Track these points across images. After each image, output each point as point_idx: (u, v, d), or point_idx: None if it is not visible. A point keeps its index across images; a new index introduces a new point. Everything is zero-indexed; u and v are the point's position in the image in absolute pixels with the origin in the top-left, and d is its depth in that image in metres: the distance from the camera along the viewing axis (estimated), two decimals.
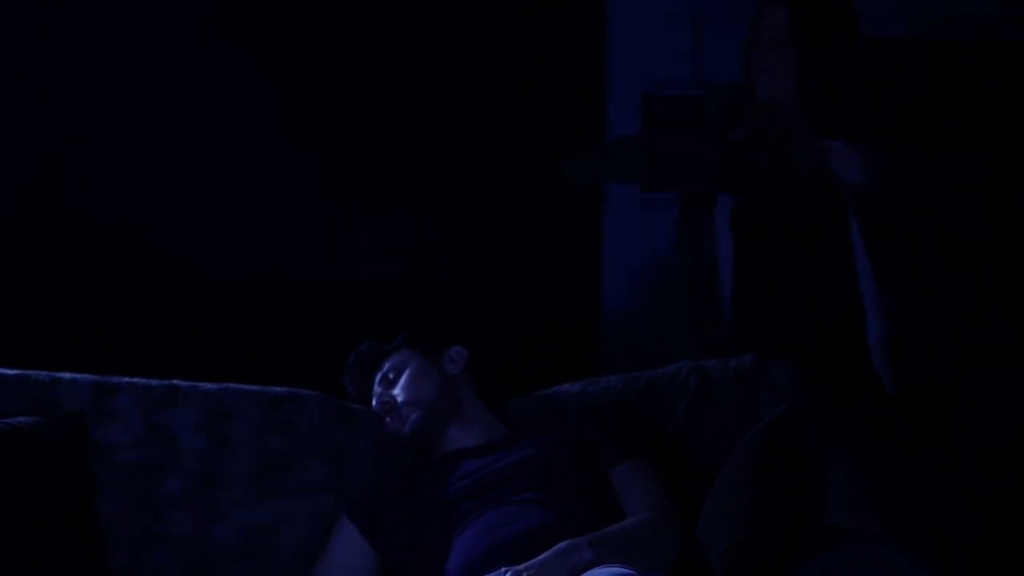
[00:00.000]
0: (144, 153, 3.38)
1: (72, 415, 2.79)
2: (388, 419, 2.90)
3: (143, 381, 2.89)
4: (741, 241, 3.16)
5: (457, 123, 3.47)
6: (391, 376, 2.93)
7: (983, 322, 3.41)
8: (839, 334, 3.11)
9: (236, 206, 3.41)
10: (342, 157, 3.44)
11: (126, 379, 2.89)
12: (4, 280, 3.31)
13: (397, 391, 2.90)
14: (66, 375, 2.86)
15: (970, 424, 3.28)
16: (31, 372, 2.85)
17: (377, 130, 3.45)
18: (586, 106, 3.51)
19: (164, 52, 3.38)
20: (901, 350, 3.14)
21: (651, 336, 3.50)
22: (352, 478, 2.88)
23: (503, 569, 2.45)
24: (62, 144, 3.35)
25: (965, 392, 3.29)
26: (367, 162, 3.44)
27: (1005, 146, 3.53)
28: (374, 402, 2.94)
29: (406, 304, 3.43)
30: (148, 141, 3.38)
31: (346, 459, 2.89)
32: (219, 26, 3.40)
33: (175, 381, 2.91)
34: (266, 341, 3.37)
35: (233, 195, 3.41)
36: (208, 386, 2.91)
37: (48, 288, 3.33)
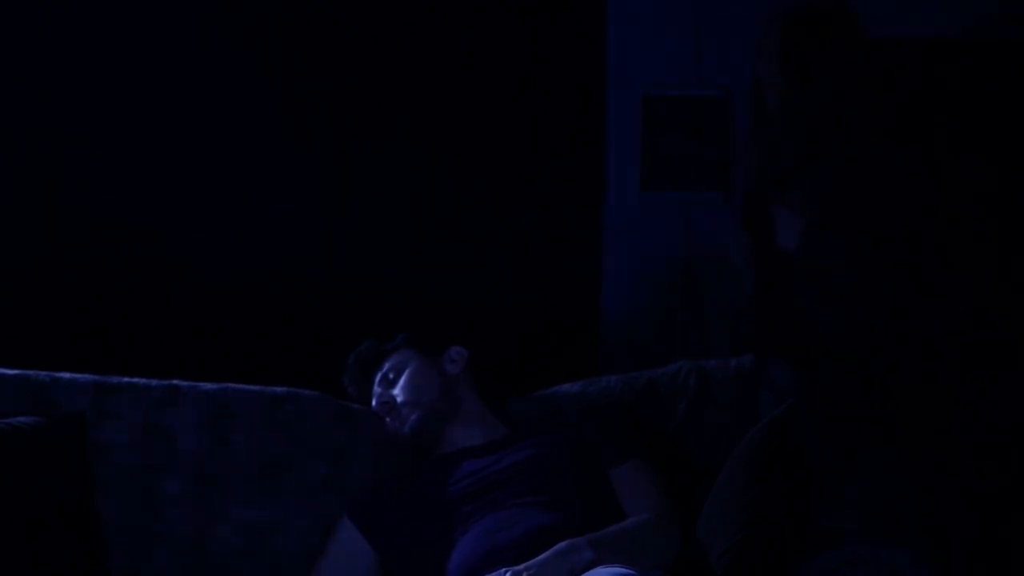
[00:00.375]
0: (144, 153, 3.38)
1: (72, 415, 2.79)
2: (388, 419, 2.90)
3: (143, 381, 2.90)
4: (758, 241, 3.16)
5: (457, 123, 3.47)
6: (391, 376, 2.93)
7: (983, 322, 3.40)
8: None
9: (236, 206, 3.41)
10: (342, 157, 3.44)
11: (126, 379, 2.90)
12: (4, 280, 3.31)
13: (397, 391, 2.90)
14: (66, 375, 2.86)
15: (970, 424, 3.28)
16: (31, 372, 2.85)
17: (377, 130, 3.45)
18: (586, 106, 3.50)
19: (164, 52, 3.38)
20: (901, 350, 3.14)
21: (651, 336, 3.50)
22: (352, 478, 2.88)
23: (503, 569, 2.45)
24: (62, 144, 3.35)
25: (965, 392, 3.29)
26: (367, 162, 3.44)
27: (1005, 146, 3.53)
28: (374, 402, 2.94)
29: (406, 304, 3.43)
30: (148, 141, 3.38)
31: (346, 459, 2.89)
32: (219, 26, 3.40)
33: (175, 381, 2.91)
34: (266, 341, 3.37)
35: (233, 195, 3.41)
36: (208, 386, 2.91)
37: (48, 288, 3.33)
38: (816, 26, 3.07)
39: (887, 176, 3.09)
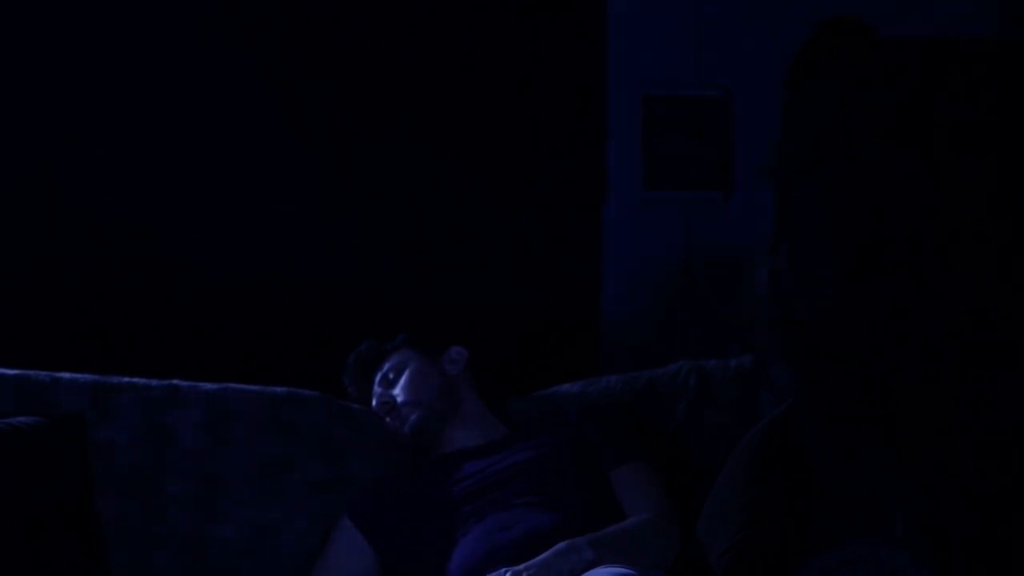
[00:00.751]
0: (144, 153, 3.38)
1: (72, 415, 2.78)
2: (388, 419, 2.90)
3: (143, 381, 2.89)
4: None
5: (457, 123, 3.47)
6: (391, 376, 2.93)
7: (983, 322, 3.41)
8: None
9: (236, 206, 3.41)
10: (342, 157, 3.44)
11: (126, 379, 2.89)
12: (4, 280, 3.31)
13: (397, 391, 2.90)
14: (66, 375, 2.86)
15: (970, 424, 3.28)
16: (31, 372, 2.85)
17: (377, 130, 3.45)
18: (586, 106, 3.51)
19: (164, 52, 3.38)
20: (901, 350, 3.14)
21: (651, 336, 3.50)
22: (352, 478, 2.88)
23: (503, 569, 2.45)
24: (62, 144, 3.35)
25: (965, 392, 3.29)
26: (367, 162, 3.44)
27: (1005, 146, 3.53)
28: (374, 402, 2.94)
29: (406, 304, 3.43)
30: (148, 141, 3.38)
31: (346, 459, 2.89)
32: (219, 26, 3.40)
33: (175, 381, 2.91)
34: (266, 341, 3.37)
35: (233, 195, 3.41)
36: (208, 386, 2.91)
37: (48, 288, 3.33)
38: (832, 38, 3.08)
39: (887, 176, 3.09)
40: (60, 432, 2.73)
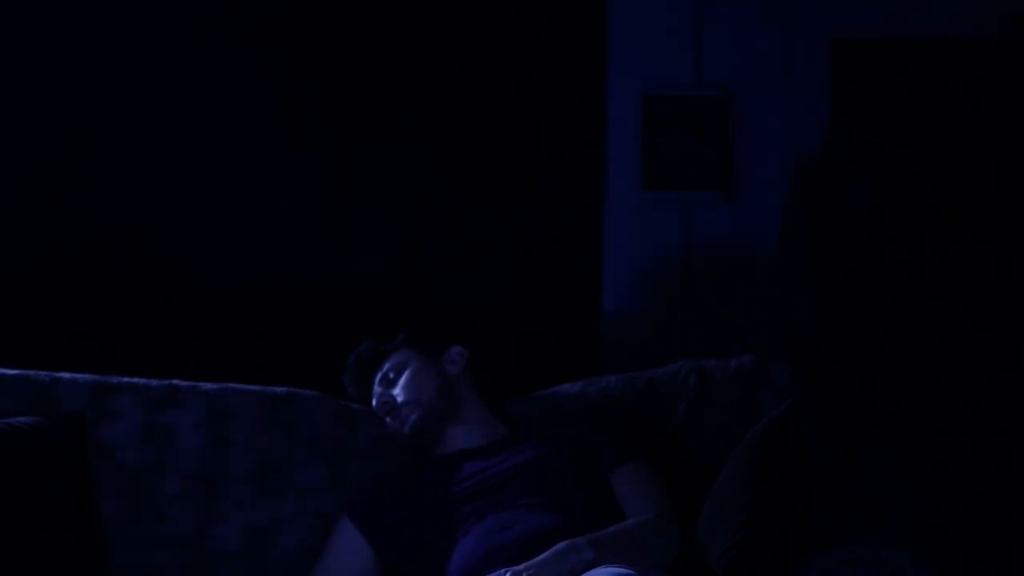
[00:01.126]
0: (144, 153, 3.38)
1: (72, 415, 2.79)
2: (388, 419, 2.90)
3: (143, 381, 2.89)
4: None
5: (457, 123, 3.47)
6: (391, 376, 2.93)
7: (983, 322, 3.41)
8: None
9: (236, 206, 3.41)
10: (342, 157, 3.44)
11: (126, 379, 2.89)
12: (4, 280, 3.31)
13: (397, 391, 2.90)
14: (66, 375, 2.86)
15: (970, 424, 3.28)
16: (31, 372, 2.85)
17: (377, 130, 3.45)
18: (586, 106, 3.50)
19: (164, 52, 3.38)
20: (901, 350, 3.14)
21: (651, 336, 3.50)
22: (352, 478, 2.88)
23: (503, 569, 2.45)
24: (62, 144, 3.35)
25: (965, 392, 3.29)
26: (367, 162, 3.44)
27: (1005, 146, 3.53)
28: (374, 402, 2.94)
29: (406, 304, 3.43)
30: (148, 141, 3.38)
31: (346, 459, 2.89)
32: (219, 26, 3.40)
33: (175, 381, 2.91)
34: (266, 341, 3.37)
35: (233, 195, 3.41)
36: (208, 386, 2.91)
37: (48, 288, 3.33)
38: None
39: (887, 176, 3.09)
40: (60, 432, 2.73)
